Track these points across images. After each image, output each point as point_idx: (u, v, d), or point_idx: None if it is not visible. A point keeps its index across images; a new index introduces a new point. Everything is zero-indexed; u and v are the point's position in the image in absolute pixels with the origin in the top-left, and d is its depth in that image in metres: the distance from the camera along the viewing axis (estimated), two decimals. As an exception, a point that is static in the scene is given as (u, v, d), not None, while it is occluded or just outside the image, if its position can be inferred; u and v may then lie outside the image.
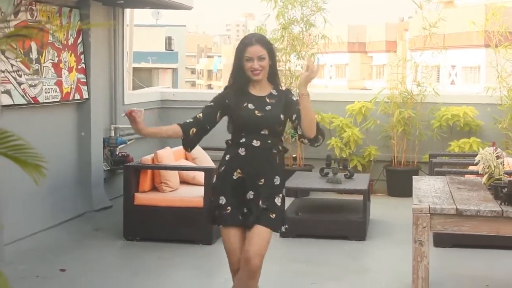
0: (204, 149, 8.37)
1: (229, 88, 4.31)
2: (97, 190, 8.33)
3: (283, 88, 4.40)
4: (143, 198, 7.10)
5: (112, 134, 8.88)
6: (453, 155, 9.11)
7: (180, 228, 6.97)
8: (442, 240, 6.66)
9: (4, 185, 6.30)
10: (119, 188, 8.45)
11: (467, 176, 6.60)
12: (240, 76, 4.24)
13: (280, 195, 4.25)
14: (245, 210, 4.19)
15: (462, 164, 8.09)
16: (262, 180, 4.18)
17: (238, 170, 4.20)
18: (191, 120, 4.29)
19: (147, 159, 7.27)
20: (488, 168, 4.94)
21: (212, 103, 4.31)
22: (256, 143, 4.18)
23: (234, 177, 4.21)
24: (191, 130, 4.27)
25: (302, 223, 7.42)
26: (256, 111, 4.18)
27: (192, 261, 6.48)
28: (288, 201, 7.72)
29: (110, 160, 8.77)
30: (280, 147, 4.27)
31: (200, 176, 7.32)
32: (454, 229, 4.46)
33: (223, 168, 4.26)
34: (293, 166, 9.80)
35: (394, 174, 9.79)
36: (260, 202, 4.16)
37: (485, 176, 4.97)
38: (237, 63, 4.24)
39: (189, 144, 4.32)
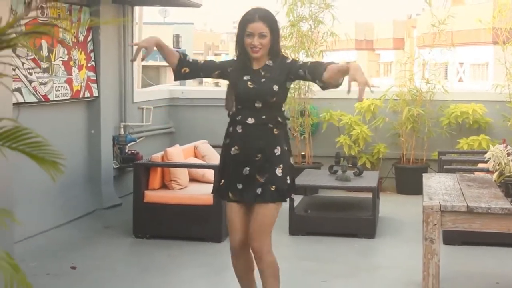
0: (214, 147, 8.39)
1: (236, 61, 4.33)
2: (107, 188, 8.36)
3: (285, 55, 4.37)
4: (153, 195, 7.12)
5: (122, 132, 8.90)
6: (462, 152, 9.10)
7: (190, 225, 6.99)
8: (452, 238, 6.66)
9: (15, 183, 6.33)
10: (128, 186, 8.48)
11: (476, 173, 6.60)
12: (242, 51, 4.25)
13: (281, 165, 4.20)
14: (240, 186, 4.22)
15: (472, 162, 8.08)
16: (259, 155, 4.19)
17: (236, 147, 4.24)
18: (191, 61, 4.35)
19: (157, 157, 7.29)
20: (498, 166, 4.94)
21: (217, 61, 4.45)
22: (250, 120, 4.19)
23: (232, 153, 4.25)
24: (184, 69, 4.33)
25: (311, 220, 7.43)
26: (249, 83, 4.19)
27: (201, 258, 6.49)
28: (297, 198, 7.75)
29: (120, 158, 8.80)
30: (279, 119, 4.24)
31: (210, 173, 7.33)
32: (465, 227, 4.46)
33: (227, 141, 4.32)
34: (302, 163, 9.80)
35: (403, 171, 9.79)
36: (258, 177, 4.18)
37: (496, 174, 4.97)
38: (239, 37, 4.24)
39: (176, 77, 4.41)
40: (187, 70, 4.33)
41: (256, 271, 4.47)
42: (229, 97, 4.33)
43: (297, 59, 4.20)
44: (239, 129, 4.24)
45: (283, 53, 4.43)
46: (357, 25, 49.53)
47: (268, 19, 4.20)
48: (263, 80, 4.19)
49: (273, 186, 4.17)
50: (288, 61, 4.29)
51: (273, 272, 4.30)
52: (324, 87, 4.17)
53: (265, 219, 4.19)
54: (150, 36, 4.33)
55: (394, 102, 9.83)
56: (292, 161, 4.37)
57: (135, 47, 4.47)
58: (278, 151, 4.21)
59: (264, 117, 4.19)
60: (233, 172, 4.24)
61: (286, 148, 4.27)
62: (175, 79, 4.48)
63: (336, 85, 4.14)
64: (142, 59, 4.25)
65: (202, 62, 4.41)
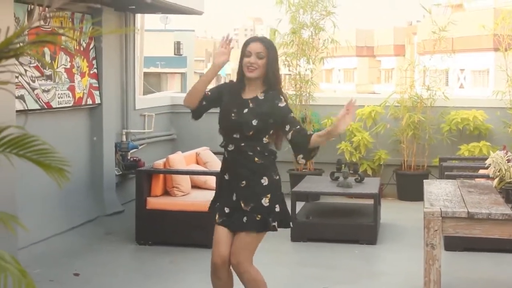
0: (215, 153, 8.42)
1: (229, 85, 4.40)
2: (109, 195, 8.39)
3: (280, 94, 4.30)
4: (155, 202, 7.15)
5: (124, 139, 8.94)
6: (463, 158, 9.13)
7: (192, 232, 7.01)
8: (453, 244, 6.68)
9: (18, 190, 6.36)
10: (130, 193, 8.51)
11: (477, 179, 6.62)
12: (240, 75, 4.30)
13: (268, 195, 4.21)
14: (227, 210, 4.27)
15: (472, 168, 8.11)
16: (244, 182, 4.23)
17: (226, 172, 4.32)
18: (207, 91, 4.36)
19: (159, 163, 7.32)
20: (499, 172, 4.96)
21: (215, 90, 4.39)
22: (231, 147, 4.26)
23: (226, 177, 4.33)
24: (201, 102, 4.33)
25: (313, 227, 7.45)
26: (232, 114, 4.23)
27: (204, 265, 6.46)
28: (299, 205, 7.78)
29: (122, 164, 8.83)
30: (258, 148, 4.22)
31: (212, 180, 7.35)
32: (466, 233, 4.49)
33: (222, 167, 4.40)
34: (304, 170, 9.83)
35: (404, 178, 9.82)
36: (243, 205, 4.21)
37: (496, 180, 4.99)
38: (240, 59, 4.31)
39: (197, 114, 4.39)
40: (204, 103, 4.34)
41: None
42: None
43: (289, 109, 4.28)
44: (226, 154, 4.32)
45: (282, 90, 4.40)
46: (358, 31, 49.62)
47: (268, 42, 4.31)
48: (245, 111, 4.22)
49: (259, 216, 4.20)
50: (282, 104, 4.25)
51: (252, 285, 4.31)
52: (300, 160, 4.27)
53: (247, 245, 4.24)
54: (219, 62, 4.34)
55: (395, 108, 9.86)
56: (281, 189, 4.36)
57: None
58: (265, 181, 4.23)
59: (242, 144, 4.22)
60: (224, 196, 4.31)
61: (276, 178, 4.29)
62: (196, 117, 4.45)
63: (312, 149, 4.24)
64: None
65: (209, 92, 4.37)
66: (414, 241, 7.22)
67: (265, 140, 4.26)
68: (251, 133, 4.18)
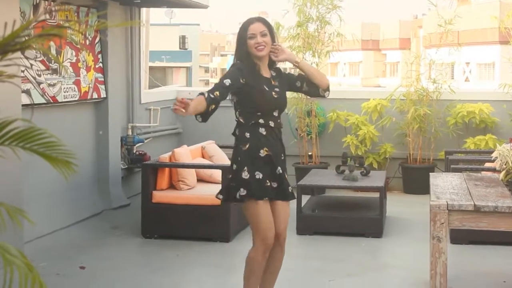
0: (221, 147, 8.43)
1: (242, 68, 4.44)
2: (115, 189, 8.40)
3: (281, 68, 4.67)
4: (161, 196, 7.16)
5: (130, 132, 8.95)
6: (469, 152, 9.10)
7: (198, 225, 7.02)
8: (459, 237, 6.67)
9: (24, 184, 6.37)
10: (136, 187, 8.52)
11: (483, 172, 6.61)
12: (246, 58, 4.45)
13: (284, 166, 4.58)
14: (275, 185, 4.47)
15: (478, 161, 8.09)
16: (283, 156, 4.56)
17: (265, 148, 4.44)
18: (212, 96, 4.28)
19: (165, 157, 7.32)
20: (505, 165, 4.95)
21: (227, 81, 4.37)
22: (271, 123, 4.48)
23: (262, 155, 4.44)
24: (210, 107, 4.32)
25: (319, 220, 7.45)
26: (273, 93, 4.48)
27: (210, 258, 6.52)
28: (305, 198, 7.78)
29: (128, 158, 8.84)
30: (282, 125, 4.61)
31: (217, 174, 7.36)
32: (472, 226, 4.48)
33: (248, 146, 4.45)
34: (309, 163, 9.82)
35: (410, 171, 9.80)
36: (286, 175, 4.53)
37: (503, 173, 4.98)
38: (240, 45, 4.46)
39: (203, 118, 4.39)
40: (213, 107, 4.35)
41: None
42: (237, 99, 4.52)
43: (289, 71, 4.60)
44: (263, 132, 4.46)
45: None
46: (363, 25, 49.57)
47: (265, 21, 4.54)
48: (277, 89, 4.51)
49: (289, 187, 4.55)
50: (287, 72, 4.69)
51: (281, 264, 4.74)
52: (324, 92, 4.63)
53: (287, 216, 4.61)
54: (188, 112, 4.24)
55: (401, 102, 9.84)
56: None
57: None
58: (283, 154, 4.60)
59: (279, 121, 4.57)
60: (268, 173, 4.44)
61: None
62: (203, 121, 4.43)
63: (325, 83, 4.62)
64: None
65: (217, 93, 4.32)
66: (420, 234, 7.21)
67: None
68: (285, 108, 4.66)
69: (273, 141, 4.49)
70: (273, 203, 4.49)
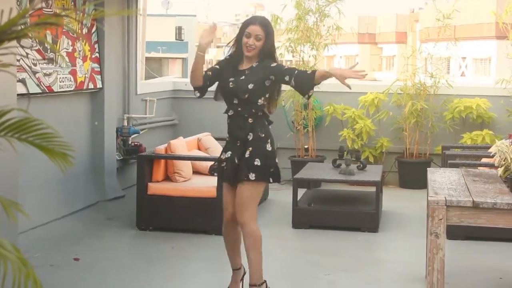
0: (217, 139, 8.39)
1: (227, 60, 4.91)
2: (110, 180, 8.36)
3: (272, 60, 4.85)
4: (156, 188, 7.12)
5: (125, 123, 8.90)
6: (465, 147, 9.08)
7: (193, 218, 6.98)
8: (455, 233, 6.64)
9: (20, 174, 6.32)
10: (131, 178, 8.47)
11: (481, 168, 6.58)
12: (239, 48, 4.83)
13: (250, 148, 4.77)
14: (225, 167, 4.87)
15: (475, 156, 8.06)
16: (238, 142, 4.82)
17: (229, 136, 4.93)
18: (204, 73, 4.84)
19: (161, 149, 7.28)
20: (504, 161, 4.91)
21: (217, 66, 4.93)
22: (231, 112, 4.84)
23: (228, 140, 4.95)
24: (204, 83, 4.86)
25: (315, 214, 7.42)
26: (230, 83, 4.80)
27: (205, 251, 6.49)
28: (300, 192, 7.74)
29: (123, 149, 8.79)
30: (253, 110, 4.80)
31: (213, 166, 7.31)
32: (470, 222, 4.44)
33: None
34: (305, 157, 9.79)
35: (406, 165, 9.78)
36: (236, 160, 4.80)
37: (501, 169, 4.94)
38: (238, 35, 4.85)
39: (201, 92, 4.88)
40: (208, 83, 4.88)
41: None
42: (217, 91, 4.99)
43: (283, 63, 5.02)
44: (228, 120, 4.89)
45: (276, 58, 4.94)
46: (360, 18, 49.48)
47: (266, 24, 4.85)
48: (242, 78, 4.79)
49: (245, 168, 4.76)
50: (273, 64, 4.81)
51: (254, 246, 4.81)
52: (307, 97, 4.89)
53: (243, 195, 4.78)
54: (203, 47, 4.83)
55: (398, 96, 9.81)
56: (269, 148, 4.84)
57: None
58: (250, 136, 4.80)
59: (239, 109, 4.80)
60: (228, 157, 4.86)
61: (261, 135, 4.82)
62: (200, 96, 4.90)
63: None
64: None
65: (210, 72, 4.88)
66: (416, 229, 7.19)
67: (259, 102, 4.82)
68: (246, 96, 4.75)
69: (232, 128, 4.85)
70: (233, 184, 4.87)
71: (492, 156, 5.10)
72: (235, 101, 4.79)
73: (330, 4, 9.65)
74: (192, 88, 4.99)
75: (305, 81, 4.73)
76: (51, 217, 7.19)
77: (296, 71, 4.76)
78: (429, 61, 9.88)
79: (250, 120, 4.80)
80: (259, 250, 4.83)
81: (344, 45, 40.90)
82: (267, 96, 4.86)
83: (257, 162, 4.75)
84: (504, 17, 9.55)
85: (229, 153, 4.85)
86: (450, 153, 7.98)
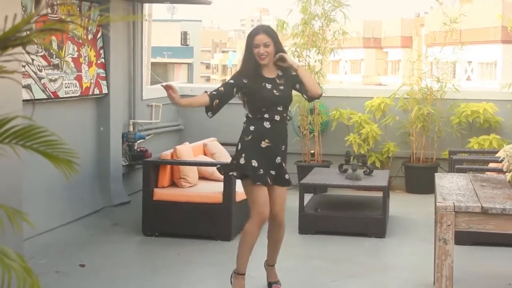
0: (223, 144, 8.36)
1: (245, 71, 5.12)
2: (115, 185, 8.33)
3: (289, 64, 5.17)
4: (162, 193, 7.09)
5: (131, 129, 8.88)
6: (472, 152, 9.04)
7: (199, 223, 6.96)
8: (463, 238, 6.59)
9: (24, 180, 6.30)
10: (137, 183, 8.45)
11: (489, 173, 6.54)
12: (251, 61, 5.09)
13: (285, 157, 5.26)
14: (273, 173, 5.15)
15: (483, 161, 8.02)
16: (283, 147, 5.19)
17: (266, 140, 5.10)
18: (215, 93, 5.05)
19: (166, 154, 7.26)
20: (512, 166, 4.87)
21: (231, 80, 5.14)
22: (277, 117, 5.10)
23: (263, 145, 5.10)
24: (215, 102, 5.05)
25: (321, 219, 7.38)
26: (274, 91, 5.09)
27: (211, 257, 6.46)
28: (307, 197, 7.71)
29: (129, 155, 8.77)
30: (288, 117, 5.25)
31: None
32: (479, 228, 4.40)
33: (250, 137, 5.12)
34: (311, 162, 9.75)
35: (413, 170, 9.74)
36: (284, 165, 5.19)
37: (510, 174, 4.90)
38: (247, 49, 5.13)
39: (212, 111, 5.10)
40: (217, 101, 5.06)
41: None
42: (245, 99, 5.20)
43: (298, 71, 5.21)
44: (267, 125, 5.09)
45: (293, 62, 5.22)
46: (365, 22, 49.48)
47: (269, 31, 5.15)
48: (281, 87, 5.13)
49: (287, 175, 5.23)
50: (294, 73, 5.16)
51: (283, 237, 5.46)
52: (310, 97, 5.26)
53: (284, 199, 5.31)
54: (175, 102, 5.13)
55: (404, 100, 9.77)
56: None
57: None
58: (286, 143, 5.26)
59: (284, 115, 5.17)
60: (267, 162, 5.10)
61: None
62: (210, 116, 5.14)
63: (318, 91, 5.22)
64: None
65: (222, 88, 5.11)
66: (423, 234, 7.16)
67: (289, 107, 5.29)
68: (290, 103, 5.25)
69: (275, 134, 5.12)
70: (271, 187, 5.17)
71: (501, 161, 5.07)
72: (280, 108, 5.12)
73: (336, 9, 9.63)
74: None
75: (310, 89, 5.16)
76: (57, 223, 7.16)
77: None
78: (435, 66, 9.84)
79: (286, 126, 5.25)
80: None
81: (350, 49, 40.92)
82: None
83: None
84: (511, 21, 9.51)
85: (278, 159, 5.15)
86: (457, 158, 7.94)
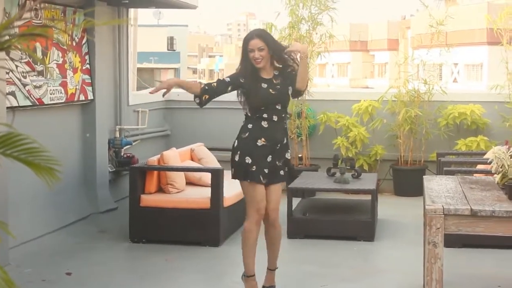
0: (210, 149, 8.31)
1: (243, 72, 5.22)
2: (102, 192, 8.26)
3: (287, 62, 5.25)
4: (149, 199, 7.03)
5: (117, 135, 8.82)
6: (460, 153, 9.04)
7: (187, 230, 6.90)
8: (452, 241, 6.56)
9: (8, 188, 6.23)
10: (124, 190, 8.38)
11: (477, 175, 6.52)
12: (248, 64, 5.19)
13: (288, 150, 5.32)
14: (266, 171, 5.18)
15: (471, 163, 8.02)
16: (279, 145, 5.23)
17: (263, 139, 5.18)
18: (207, 88, 5.21)
19: (153, 160, 7.20)
20: (501, 168, 4.85)
21: (228, 79, 5.27)
22: (275, 118, 5.19)
23: (259, 144, 5.18)
24: (204, 96, 5.20)
25: (310, 223, 7.34)
26: (270, 90, 5.17)
27: (199, 263, 6.40)
28: (295, 201, 7.67)
29: (115, 161, 8.71)
30: (287, 114, 5.36)
31: (207, 177, 7.24)
32: (469, 230, 4.38)
33: (247, 135, 5.21)
34: (299, 166, 9.72)
35: (401, 173, 9.72)
36: (277, 162, 5.23)
37: (499, 176, 4.88)
38: (243, 53, 5.23)
39: (200, 103, 5.25)
40: (207, 96, 5.21)
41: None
42: (242, 99, 5.29)
43: (294, 68, 5.29)
44: (264, 124, 5.18)
45: (290, 60, 5.28)
46: (351, 26, 49.59)
47: (262, 35, 5.22)
48: (278, 86, 5.20)
49: (286, 168, 5.31)
50: (289, 69, 5.26)
51: (280, 238, 5.46)
52: (294, 93, 5.30)
53: (279, 193, 5.33)
54: (169, 78, 4.99)
55: (392, 103, 9.76)
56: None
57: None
58: (285, 140, 5.30)
59: (283, 114, 5.26)
60: (261, 160, 5.17)
61: (288, 138, 5.40)
62: (201, 106, 5.30)
63: (304, 85, 5.26)
64: (163, 95, 5.42)
65: (215, 84, 5.26)
66: (412, 237, 7.13)
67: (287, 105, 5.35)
68: (288, 102, 5.30)
69: (272, 132, 5.19)
70: (266, 185, 5.22)
71: (489, 163, 5.04)
72: (278, 107, 5.20)
73: (323, 12, 9.60)
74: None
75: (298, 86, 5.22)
76: (43, 231, 7.09)
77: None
78: (422, 68, 9.84)
79: (285, 125, 5.33)
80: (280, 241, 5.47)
81: (336, 53, 41.00)
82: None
83: (288, 156, 5.33)
84: (498, 22, 9.51)
85: (270, 157, 5.20)
86: (446, 160, 7.92)
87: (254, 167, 5.17)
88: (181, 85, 5.50)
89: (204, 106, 5.33)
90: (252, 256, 5.30)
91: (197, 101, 5.23)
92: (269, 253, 5.46)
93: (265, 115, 5.18)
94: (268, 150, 5.19)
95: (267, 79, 5.22)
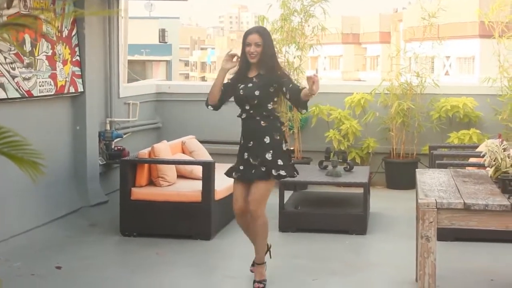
0: (201, 142, 8.27)
1: (238, 69, 5.38)
2: (92, 185, 8.20)
3: (278, 70, 5.35)
4: (140, 193, 6.98)
5: (108, 127, 8.74)
6: (452, 146, 9.01)
7: (178, 223, 6.85)
8: (444, 234, 6.53)
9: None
10: (115, 183, 8.32)
11: (469, 168, 6.49)
12: (243, 60, 5.32)
13: (271, 150, 5.27)
14: (241, 168, 5.36)
15: (463, 156, 7.98)
16: (251, 143, 5.32)
17: (242, 137, 5.41)
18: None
19: (144, 153, 7.14)
20: (494, 161, 4.81)
21: (229, 80, 5.47)
22: (244, 115, 5.37)
23: (241, 142, 5.42)
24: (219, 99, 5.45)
25: (302, 217, 7.30)
26: (241, 90, 5.32)
27: (190, 257, 6.36)
28: (287, 194, 7.63)
29: (106, 154, 8.63)
30: (264, 113, 5.29)
31: (198, 170, 7.19)
32: (462, 224, 4.34)
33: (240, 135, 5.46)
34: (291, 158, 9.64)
35: (393, 166, 9.69)
36: (251, 160, 5.31)
37: (492, 169, 4.84)
38: (242, 48, 5.34)
39: (214, 107, 5.48)
40: (220, 98, 5.42)
41: None
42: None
43: (287, 74, 5.50)
44: (243, 123, 5.40)
45: (278, 63, 5.46)
46: (343, 18, 49.52)
47: (263, 32, 5.37)
48: (250, 85, 5.30)
49: (263, 168, 5.26)
50: (278, 72, 5.33)
51: (263, 232, 5.45)
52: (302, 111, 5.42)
53: (258, 192, 5.29)
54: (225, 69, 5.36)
55: (384, 96, 9.72)
56: (285, 148, 5.38)
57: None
58: (267, 139, 5.28)
59: (252, 112, 5.32)
60: (239, 157, 5.42)
61: (277, 138, 5.33)
62: (215, 109, 5.50)
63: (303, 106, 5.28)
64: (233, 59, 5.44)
65: (222, 88, 5.42)
66: (404, 230, 7.11)
67: (269, 106, 5.31)
68: (255, 102, 5.25)
69: (247, 131, 5.36)
70: (248, 182, 5.35)
71: (482, 156, 5.01)
72: (247, 107, 5.32)
73: (315, 4, 9.54)
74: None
75: (299, 102, 5.21)
76: (32, 225, 7.02)
77: (291, 85, 5.24)
78: (414, 61, 9.80)
79: (263, 123, 5.30)
80: (266, 236, 5.53)
81: (328, 45, 40.93)
82: (275, 100, 5.37)
83: (280, 162, 5.28)
84: (490, 15, 9.47)
85: (245, 155, 5.34)
86: (438, 153, 7.88)
87: (235, 163, 5.46)
88: (219, 83, 5.42)
89: (219, 109, 5.50)
90: (254, 246, 5.55)
91: (211, 108, 5.48)
92: (254, 246, 5.57)
93: (243, 114, 5.39)
94: (243, 147, 5.38)
95: (248, 78, 5.35)
